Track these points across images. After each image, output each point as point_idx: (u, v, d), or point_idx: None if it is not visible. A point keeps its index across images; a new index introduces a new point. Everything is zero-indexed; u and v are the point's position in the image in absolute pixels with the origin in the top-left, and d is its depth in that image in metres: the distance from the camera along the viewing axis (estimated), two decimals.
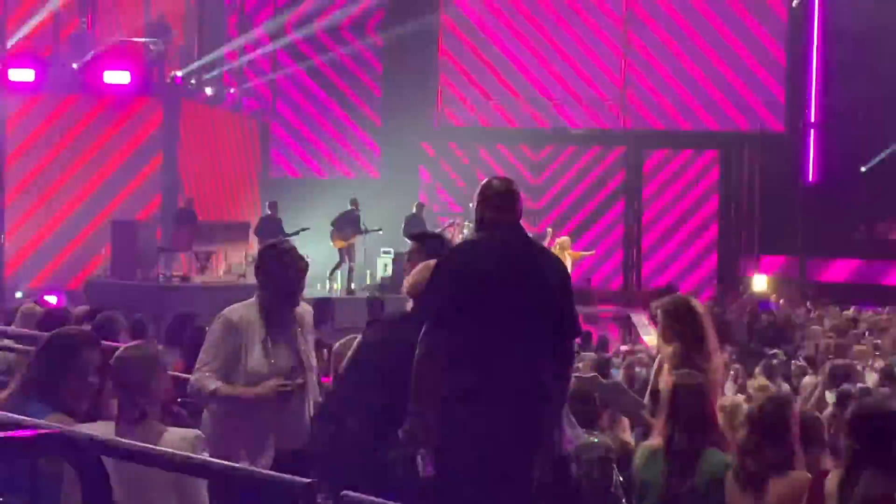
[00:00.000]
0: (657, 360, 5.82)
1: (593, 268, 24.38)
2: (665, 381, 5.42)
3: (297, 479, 3.18)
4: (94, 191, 19.44)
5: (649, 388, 5.75)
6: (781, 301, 21.87)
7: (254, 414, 5.12)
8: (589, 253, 21.57)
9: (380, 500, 3.24)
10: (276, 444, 5.13)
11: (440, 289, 4.59)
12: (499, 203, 4.73)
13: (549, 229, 20.72)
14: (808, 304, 21.38)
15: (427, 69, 25.53)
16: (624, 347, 15.47)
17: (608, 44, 25.99)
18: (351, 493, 3.16)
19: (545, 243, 18.01)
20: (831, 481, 4.41)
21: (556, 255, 5.20)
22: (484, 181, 4.89)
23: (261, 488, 3.59)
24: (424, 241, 5.45)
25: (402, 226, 19.00)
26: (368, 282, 20.87)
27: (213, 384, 5.10)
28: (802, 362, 14.35)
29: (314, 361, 5.43)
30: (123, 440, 3.82)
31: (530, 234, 4.87)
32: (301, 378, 5.26)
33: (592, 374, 5.71)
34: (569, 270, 17.68)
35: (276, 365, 5.17)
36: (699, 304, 5.73)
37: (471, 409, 4.47)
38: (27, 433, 2.93)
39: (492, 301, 4.52)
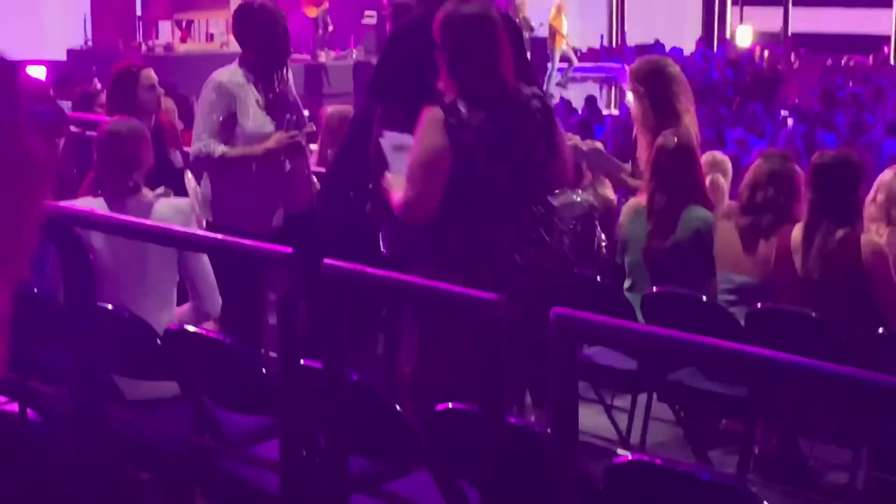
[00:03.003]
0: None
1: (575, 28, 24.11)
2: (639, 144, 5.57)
3: (282, 248, 3.24)
4: None
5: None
6: (766, 53, 21.82)
7: (261, 175, 5.10)
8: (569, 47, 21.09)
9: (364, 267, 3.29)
10: (284, 207, 5.14)
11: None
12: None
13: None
14: (792, 55, 21.34)
15: None
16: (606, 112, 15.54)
17: None
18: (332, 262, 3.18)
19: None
20: (796, 233, 4.55)
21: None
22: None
23: (249, 258, 3.73)
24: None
25: None
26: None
27: (220, 148, 5.04)
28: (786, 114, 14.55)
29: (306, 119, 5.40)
30: (111, 213, 3.94)
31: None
32: (309, 127, 5.30)
33: (572, 143, 5.80)
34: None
35: (275, 121, 5.12)
36: (670, 65, 5.70)
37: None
38: None
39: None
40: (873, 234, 4.71)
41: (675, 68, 5.64)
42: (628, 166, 5.68)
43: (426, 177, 3.78)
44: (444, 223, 3.85)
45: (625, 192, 6.03)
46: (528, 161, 3.88)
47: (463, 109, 3.78)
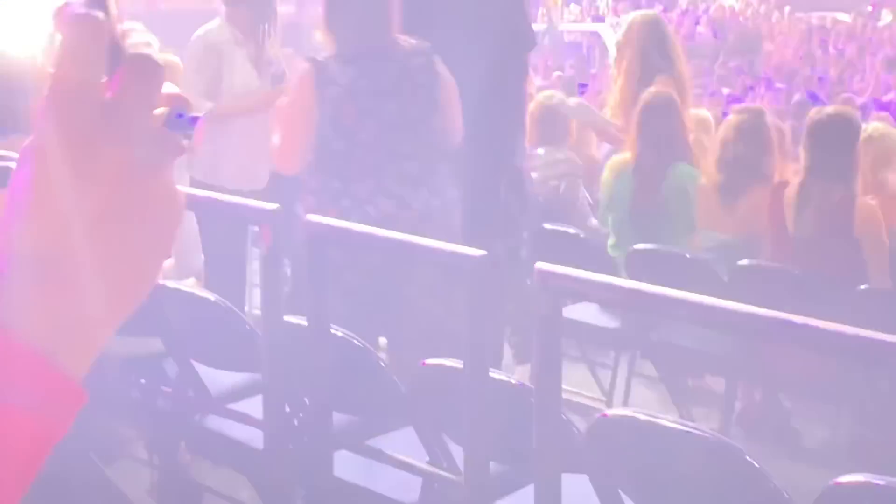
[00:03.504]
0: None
1: None
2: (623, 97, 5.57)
3: (266, 205, 3.24)
4: None
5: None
6: (750, 11, 21.77)
7: (246, 132, 5.08)
8: None
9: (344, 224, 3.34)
10: (269, 164, 5.05)
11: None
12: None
13: None
14: (776, 13, 21.29)
15: None
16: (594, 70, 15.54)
17: None
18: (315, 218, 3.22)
19: None
20: (790, 190, 4.56)
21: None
22: None
23: (233, 215, 3.69)
24: None
25: None
26: None
27: (207, 104, 4.97)
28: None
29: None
30: None
31: None
32: None
33: (557, 100, 5.80)
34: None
35: (263, 77, 5.12)
36: (662, 21, 5.77)
37: None
38: None
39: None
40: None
41: (666, 25, 5.67)
42: (618, 121, 5.68)
43: (291, 131, 3.96)
44: (311, 168, 3.94)
45: (609, 151, 6.04)
46: (403, 119, 3.87)
47: (334, 65, 3.82)
